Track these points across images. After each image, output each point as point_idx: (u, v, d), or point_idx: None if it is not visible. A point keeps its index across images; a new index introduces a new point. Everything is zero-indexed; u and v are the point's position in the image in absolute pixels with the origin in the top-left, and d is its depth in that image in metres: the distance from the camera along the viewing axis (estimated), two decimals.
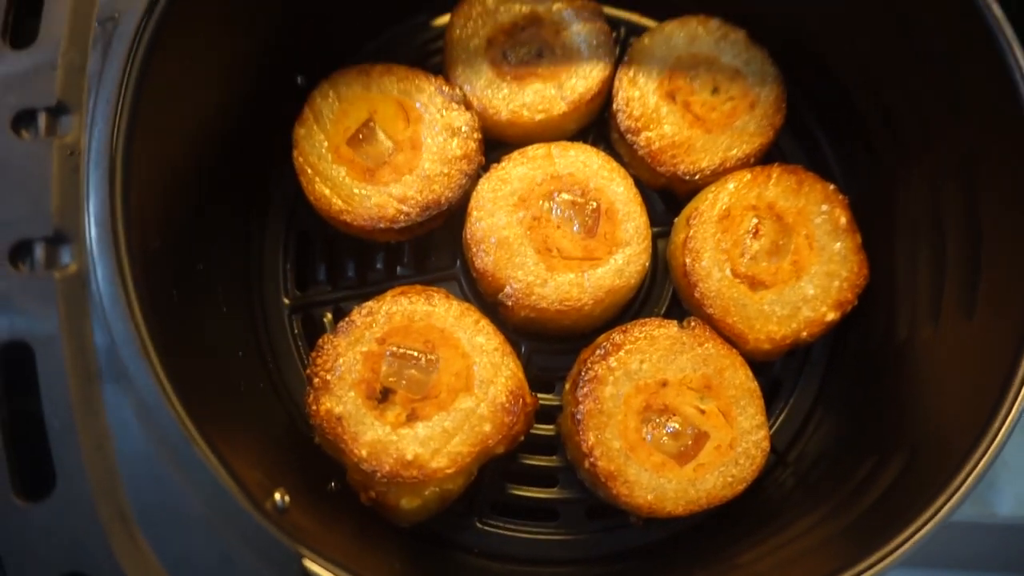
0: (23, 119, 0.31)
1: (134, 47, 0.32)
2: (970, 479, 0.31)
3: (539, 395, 0.48)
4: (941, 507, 0.31)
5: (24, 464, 0.28)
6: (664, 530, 0.46)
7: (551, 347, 0.50)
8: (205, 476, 0.28)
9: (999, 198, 0.38)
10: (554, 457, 0.48)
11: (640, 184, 0.51)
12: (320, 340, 0.43)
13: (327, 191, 0.46)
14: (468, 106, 0.49)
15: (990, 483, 0.58)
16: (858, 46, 0.47)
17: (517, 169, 0.48)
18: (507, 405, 0.43)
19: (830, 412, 0.49)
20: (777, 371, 0.51)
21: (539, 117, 0.50)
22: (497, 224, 0.46)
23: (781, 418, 0.50)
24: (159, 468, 0.28)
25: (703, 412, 0.44)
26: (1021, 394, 0.32)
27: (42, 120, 0.31)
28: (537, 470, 0.48)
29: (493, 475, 0.47)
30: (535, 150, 0.48)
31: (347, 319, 0.44)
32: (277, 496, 0.31)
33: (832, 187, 0.48)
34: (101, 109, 0.31)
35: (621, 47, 0.54)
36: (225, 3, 0.39)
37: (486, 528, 0.46)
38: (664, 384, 0.44)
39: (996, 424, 0.32)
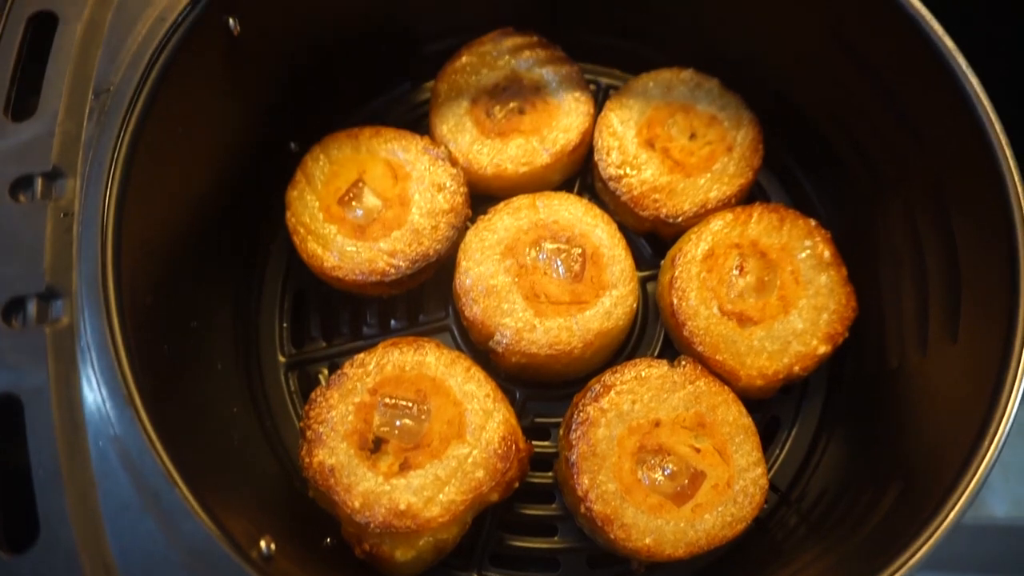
0: (21, 184, 0.32)
1: (127, 116, 0.34)
2: (961, 501, 0.31)
3: (536, 442, 0.48)
4: (933, 532, 0.31)
5: (8, 516, 0.28)
6: None
7: (546, 393, 0.50)
8: (189, 523, 0.28)
9: (971, 224, 0.38)
10: (552, 505, 0.48)
11: (626, 229, 0.52)
12: (313, 393, 0.44)
13: (319, 249, 0.48)
14: (454, 162, 0.51)
15: (987, 485, 0.61)
16: (821, 85, 0.48)
17: (503, 220, 0.49)
18: (500, 451, 0.43)
19: (830, 446, 0.48)
20: (775, 408, 0.50)
21: (523, 170, 0.51)
22: (485, 273, 0.47)
23: (782, 456, 0.49)
24: (143, 517, 0.28)
25: (698, 451, 0.44)
26: (1006, 416, 0.32)
27: (38, 184, 0.33)
28: (536, 519, 0.47)
29: (491, 525, 0.46)
30: (520, 201, 0.50)
31: (339, 372, 0.44)
32: (263, 544, 0.31)
33: (814, 222, 0.49)
34: (94, 173, 0.33)
35: (600, 100, 0.55)
36: (216, 75, 0.41)
37: None
38: (657, 424, 0.44)
39: (983, 447, 0.31)
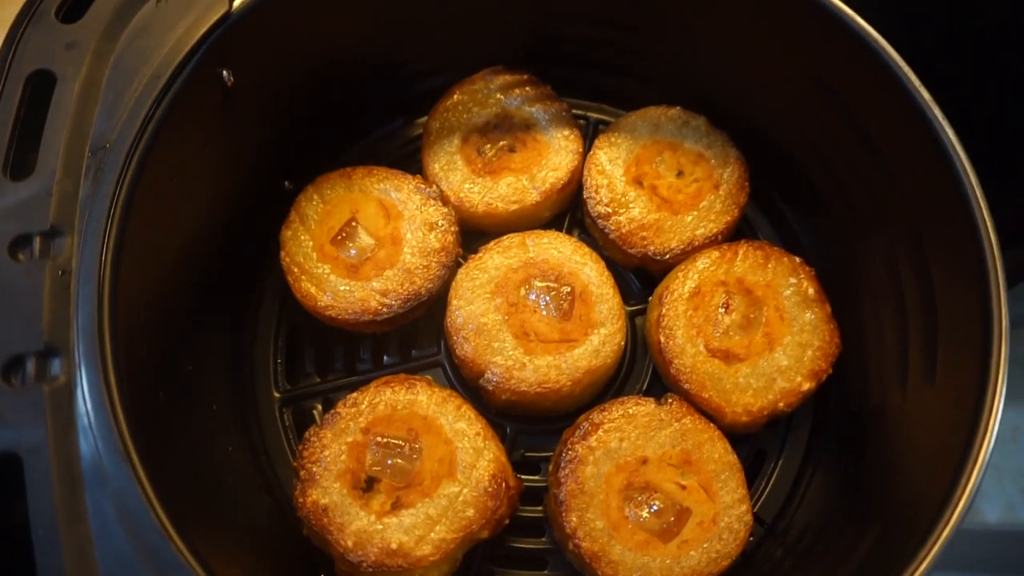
0: (19, 243, 0.33)
1: (123, 173, 0.35)
2: (934, 549, 0.32)
3: (526, 477, 0.49)
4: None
5: (9, 572, 0.29)
6: None
7: (536, 428, 0.51)
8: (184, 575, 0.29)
9: (947, 270, 0.39)
10: (543, 539, 0.49)
11: (615, 265, 0.53)
12: (307, 433, 0.45)
13: (313, 288, 0.49)
14: (445, 201, 0.52)
15: (980, 491, 0.63)
16: (805, 126, 0.49)
17: (493, 258, 0.50)
18: (490, 489, 0.43)
19: (815, 480, 0.49)
20: (762, 442, 0.51)
21: (513, 208, 0.52)
22: (476, 312, 0.48)
23: (768, 488, 0.50)
24: (139, 570, 0.29)
25: (684, 488, 0.45)
26: (978, 464, 0.33)
27: (37, 243, 0.34)
28: (526, 552, 0.48)
29: (482, 559, 0.47)
30: (510, 239, 0.51)
31: (332, 411, 0.45)
32: None
33: (798, 260, 0.50)
34: (91, 231, 0.34)
35: (589, 138, 0.56)
36: (211, 124, 0.42)
37: None
38: (644, 461, 0.45)
39: (956, 496, 0.32)
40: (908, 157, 0.41)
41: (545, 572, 0.48)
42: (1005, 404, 0.54)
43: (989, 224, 0.37)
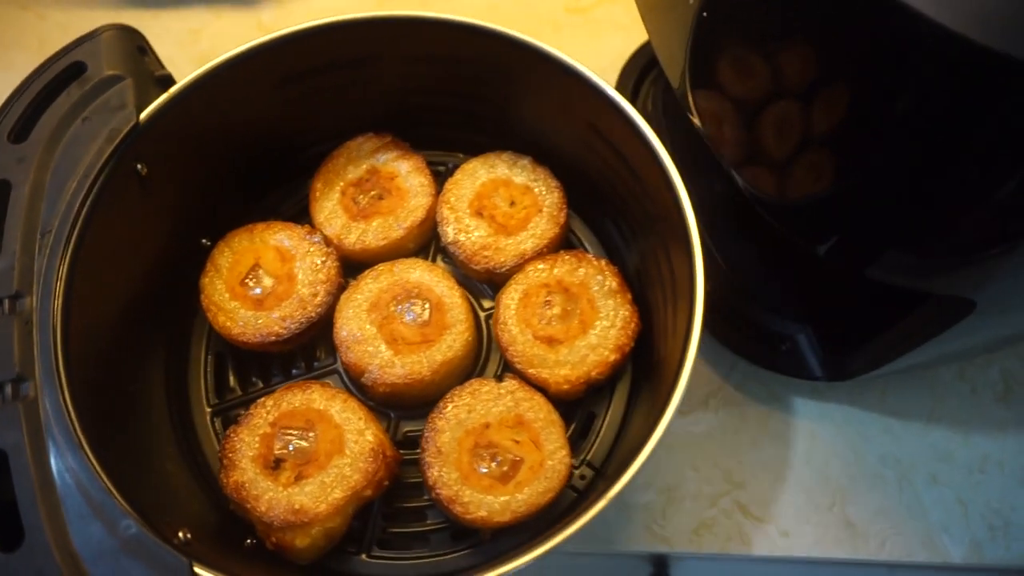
0: None
1: (64, 249, 0.48)
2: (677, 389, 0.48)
3: (408, 451, 0.63)
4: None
5: (3, 529, 0.42)
6: (509, 542, 0.59)
7: (414, 413, 0.64)
8: (126, 522, 0.43)
9: (678, 259, 0.54)
10: (424, 497, 0.62)
11: (468, 279, 0.68)
12: (228, 431, 0.58)
13: (227, 321, 0.62)
14: (328, 243, 0.66)
15: (944, 527, 0.65)
16: (595, 162, 0.64)
17: (368, 284, 0.64)
18: (371, 458, 0.57)
19: (633, 424, 0.63)
20: (593, 406, 0.65)
21: (382, 243, 0.67)
22: (356, 327, 0.62)
23: (598, 441, 0.64)
24: (95, 523, 0.43)
25: (518, 443, 0.59)
26: (690, 349, 0.49)
27: (6, 304, 0.47)
28: (410, 509, 0.62)
29: (376, 517, 0.61)
30: (381, 267, 0.65)
31: (246, 413, 0.59)
32: (180, 534, 0.46)
33: (604, 262, 0.65)
34: (44, 293, 0.47)
35: (441, 181, 0.71)
36: (133, 206, 0.56)
37: (372, 560, 0.59)
38: (487, 426, 0.59)
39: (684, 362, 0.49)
40: (655, 189, 0.56)
41: (427, 522, 0.61)
42: (974, 432, 0.70)
43: (694, 228, 0.52)
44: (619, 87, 0.84)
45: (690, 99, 0.54)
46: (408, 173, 0.69)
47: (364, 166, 0.69)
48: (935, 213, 0.41)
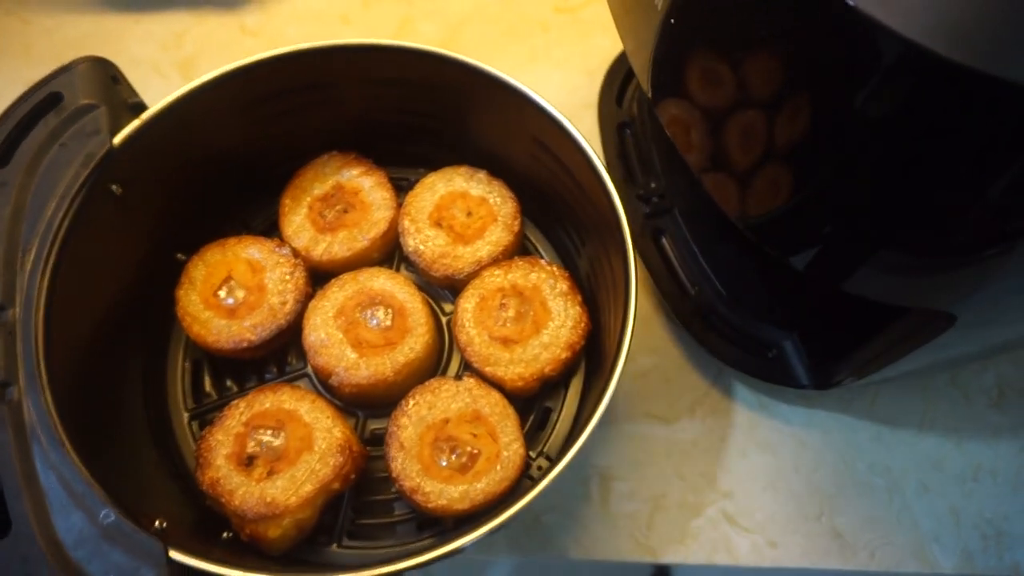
0: None
1: (44, 265, 0.52)
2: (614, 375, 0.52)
3: (374, 448, 0.67)
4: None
5: None
6: (472, 528, 0.63)
7: (380, 412, 0.68)
8: (104, 511, 0.47)
9: (615, 260, 0.59)
10: (392, 490, 0.66)
11: (430, 285, 0.72)
12: (203, 432, 0.62)
13: (202, 330, 0.66)
14: (296, 255, 0.70)
15: (935, 537, 0.64)
16: (542, 173, 0.69)
17: (334, 292, 0.68)
18: (337, 453, 0.61)
19: (585, 416, 0.67)
20: (549, 402, 0.70)
21: (348, 253, 0.71)
22: (322, 333, 0.66)
23: (554, 434, 0.68)
24: (76, 512, 0.47)
25: (476, 436, 0.63)
26: (626, 336, 0.54)
27: None
28: (378, 502, 0.66)
29: (346, 509, 0.65)
30: (346, 277, 0.69)
31: (220, 414, 0.63)
32: (157, 523, 0.50)
33: (555, 266, 0.69)
34: (26, 304, 0.51)
35: (403, 195, 0.75)
36: (108, 223, 0.59)
37: (343, 550, 0.63)
38: (447, 421, 0.63)
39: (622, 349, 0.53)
40: (596, 198, 0.61)
41: (394, 514, 0.65)
42: (966, 439, 0.69)
43: (627, 233, 0.57)
44: (605, 88, 0.86)
45: (658, 105, 0.53)
46: (371, 188, 0.73)
47: (330, 182, 0.74)
48: (904, 228, 0.40)
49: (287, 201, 0.73)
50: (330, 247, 0.71)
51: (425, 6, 0.93)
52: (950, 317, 0.45)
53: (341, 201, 0.73)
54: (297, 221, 0.72)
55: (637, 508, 0.67)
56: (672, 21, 0.48)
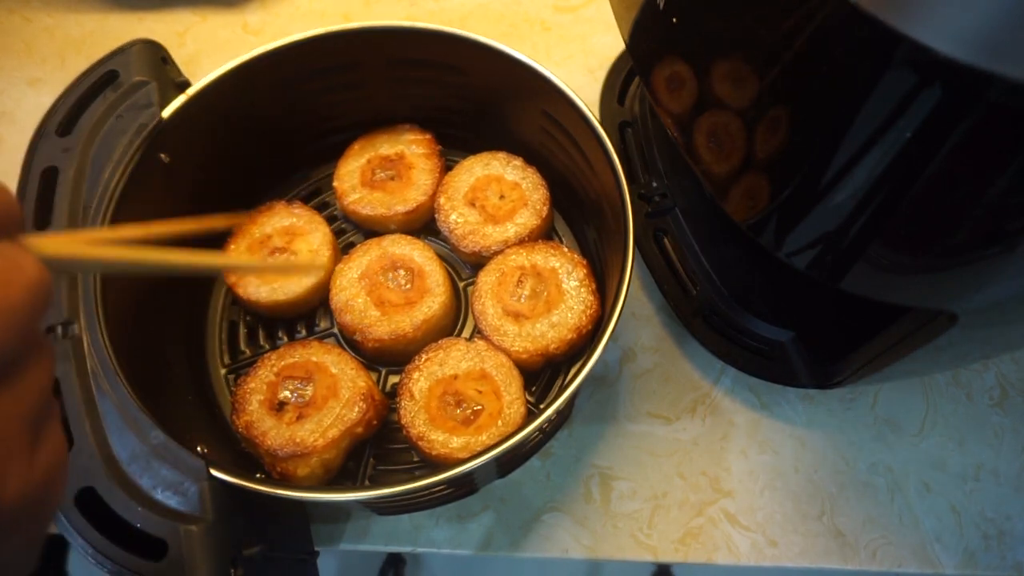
0: None
1: (102, 220, 0.59)
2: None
3: (395, 401, 0.72)
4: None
5: None
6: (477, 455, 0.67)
7: (400, 369, 0.73)
8: (154, 433, 0.53)
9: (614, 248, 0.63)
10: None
11: (452, 254, 0.78)
12: (239, 380, 0.68)
13: (250, 288, 0.72)
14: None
15: (937, 537, 0.64)
16: (556, 151, 0.74)
17: (360, 258, 0.74)
18: (361, 401, 0.67)
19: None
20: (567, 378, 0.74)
21: (371, 214, 0.76)
22: (349, 294, 0.72)
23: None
24: (129, 434, 0.53)
25: (481, 392, 0.67)
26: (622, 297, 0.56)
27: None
28: (397, 450, 0.71)
29: (368, 457, 0.70)
30: (370, 243, 0.74)
31: (255, 366, 0.69)
32: (199, 447, 0.56)
33: (575, 254, 0.72)
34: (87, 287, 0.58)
35: (443, 173, 0.80)
36: (158, 189, 0.66)
37: None
38: (455, 377, 0.68)
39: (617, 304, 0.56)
40: (602, 172, 0.65)
41: (414, 460, 0.70)
42: (968, 439, 0.69)
43: (631, 216, 0.61)
44: (607, 87, 0.88)
45: (660, 103, 0.53)
46: (422, 171, 0.79)
47: (397, 148, 0.80)
48: (905, 228, 0.39)
49: (356, 146, 0.80)
50: (360, 200, 0.77)
51: (427, 5, 0.95)
52: (952, 316, 0.44)
53: (395, 168, 0.79)
54: (353, 166, 0.79)
55: (638, 507, 0.66)
56: (674, 20, 0.48)
